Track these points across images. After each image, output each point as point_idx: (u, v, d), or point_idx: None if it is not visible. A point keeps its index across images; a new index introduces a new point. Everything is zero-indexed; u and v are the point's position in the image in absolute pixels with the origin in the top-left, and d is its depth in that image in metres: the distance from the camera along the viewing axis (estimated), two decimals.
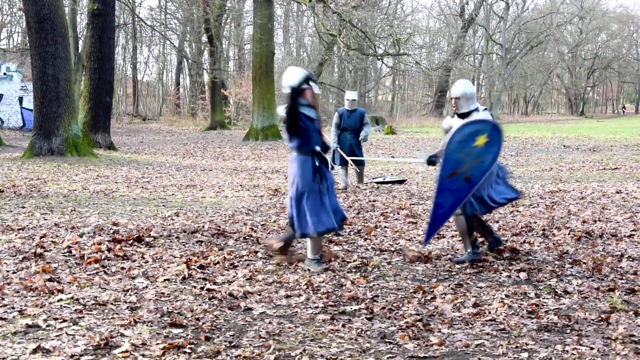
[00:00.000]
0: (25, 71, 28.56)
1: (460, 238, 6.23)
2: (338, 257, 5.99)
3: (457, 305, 4.65)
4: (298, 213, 5.53)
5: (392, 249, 6.48)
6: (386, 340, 3.98)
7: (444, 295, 4.88)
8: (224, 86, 36.73)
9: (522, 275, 5.47)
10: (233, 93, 38.03)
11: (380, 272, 5.59)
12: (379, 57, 34.42)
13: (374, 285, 5.21)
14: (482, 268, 5.72)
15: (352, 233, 7.21)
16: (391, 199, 9.79)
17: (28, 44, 20.47)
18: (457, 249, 6.37)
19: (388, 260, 6.01)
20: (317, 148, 5.61)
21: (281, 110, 5.62)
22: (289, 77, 5.64)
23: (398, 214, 8.43)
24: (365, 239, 6.92)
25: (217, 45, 35.66)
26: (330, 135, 10.88)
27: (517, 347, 3.86)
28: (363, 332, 4.11)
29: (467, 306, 4.62)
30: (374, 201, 9.54)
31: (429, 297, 4.85)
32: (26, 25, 16.85)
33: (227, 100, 38.77)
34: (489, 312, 4.47)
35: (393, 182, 11.91)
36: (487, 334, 4.09)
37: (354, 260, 5.91)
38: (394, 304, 4.67)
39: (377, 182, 11.83)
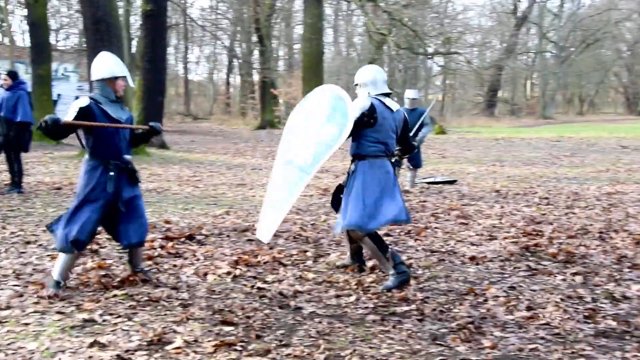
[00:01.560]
0: (81, 72, 29.28)
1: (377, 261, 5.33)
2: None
3: (510, 308, 4.58)
4: (67, 218, 4.69)
5: (443, 250, 6.41)
6: (437, 342, 3.95)
7: (496, 298, 4.81)
8: (274, 85, 36.96)
9: (578, 278, 5.35)
10: (283, 92, 38.22)
11: (430, 273, 5.54)
12: (429, 56, 34.14)
13: (424, 286, 5.17)
14: (536, 271, 5.62)
15: (402, 233, 7.17)
16: (442, 200, 9.70)
17: (84, 45, 20.99)
18: (510, 251, 6.26)
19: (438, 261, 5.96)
20: (116, 161, 4.76)
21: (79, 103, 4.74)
22: (100, 62, 4.83)
23: (449, 214, 8.35)
24: (416, 240, 6.87)
25: (267, 45, 35.90)
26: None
27: (573, 352, 3.78)
28: (414, 334, 4.08)
29: (521, 309, 4.54)
30: (424, 201, 9.46)
31: (480, 300, 4.79)
32: (83, 27, 17.27)
33: (276, 100, 39.01)
34: (543, 316, 4.38)
35: (444, 183, 11.79)
36: (542, 338, 4.01)
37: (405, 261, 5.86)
38: (445, 306, 4.63)
39: (427, 183, 11.72)
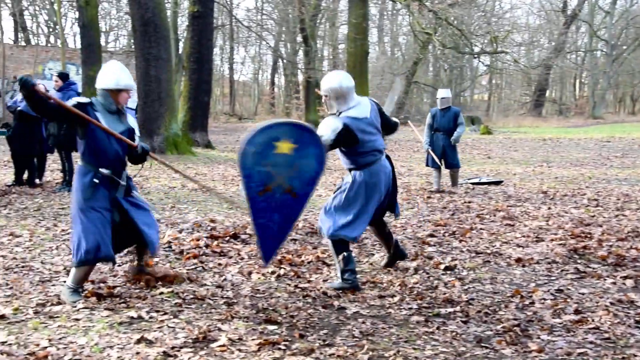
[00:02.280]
0: (130, 72, 29.86)
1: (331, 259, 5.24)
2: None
3: (557, 311, 4.50)
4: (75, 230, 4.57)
5: (488, 251, 6.33)
6: (482, 344, 3.90)
7: (543, 301, 4.73)
8: (318, 85, 37.02)
9: (629, 282, 5.22)
10: None
11: (475, 275, 5.48)
12: (475, 56, 33.77)
13: (469, 287, 5.12)
14: (585, 274, 5.50)
15: (446, 234, 7.10)
16: (487, 200, 9.58)
17: (133, 47, 21.38)
18: (557, 253, 6.14)
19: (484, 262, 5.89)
20: (105, 171, 4.58)
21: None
22: (110, 72, 4.74)
23: (494, 215, 8.24)
24: (460, 241, 6.80)
25: (312, 45, 36.01)
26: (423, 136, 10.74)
27: (623, 358, 3.69)
28: (458, 336, 4.04)
29: (568, 313, 4.46)
30: (470, 202, 9.36)
31: (527, 302, 4.72)
32: (131, 29, 17.58)
33: (320, 99, 39.09)
34: (592, 320, 4.29)
35: (489, 183, 11.64)
36: (591, 342, 3.93)
37: (449, 262, 5.82)
38: (491, 308, 4.57)
39: (472, 183, 11.59)
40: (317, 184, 4.67)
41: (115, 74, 4.69)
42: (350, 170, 5.16)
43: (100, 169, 4.55)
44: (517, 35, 42.83)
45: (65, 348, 3.63)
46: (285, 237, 4.73)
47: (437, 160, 10.46)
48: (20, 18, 39.64)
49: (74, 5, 28.84)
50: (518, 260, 5.94)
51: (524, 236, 6.99)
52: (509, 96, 52.49)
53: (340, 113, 5.02)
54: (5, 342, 3.68)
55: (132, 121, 4.84)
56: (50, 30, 41.80)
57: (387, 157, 5.30)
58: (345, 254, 5.03)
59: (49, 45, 37.61)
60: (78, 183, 4.56)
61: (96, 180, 4.52)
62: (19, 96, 10.05)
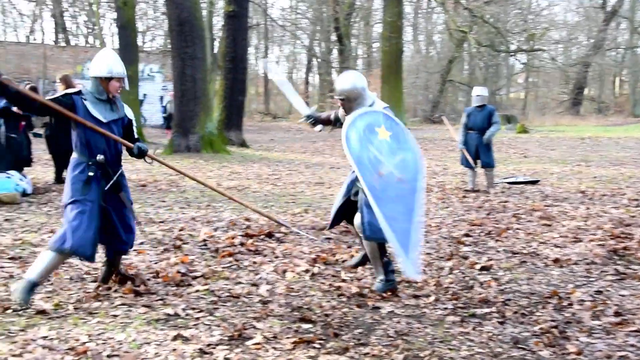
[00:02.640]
0: (166, 72, 30.18)
1: (372, 264, 5.04)
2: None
3: (597, 313, 4.42)
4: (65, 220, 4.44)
5: (525, 251, 6.26)
6: (519, 345, 3.86)
7: (581, 302, 4.65)
8: None
9: None
10: None
11: (512, 275, 5.42)
12: (511, 54, 33.38)
13: (505, 288, 5.06)
14: (625, 275, 5.40)
15: (482, 234, 7.04)
16: (524, 200, 9.46)
17: (169, 46, 21.60)
18: (596, 254, 6.03)
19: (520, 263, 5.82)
20: (100, 157, 4.47)
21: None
22: (100, 59, 4.54)
23: (531, 215, 8.13)
24: (496, 241, 6.73)
25: (346, 44, 36.00)
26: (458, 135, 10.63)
27: None
28: (494, 336, 4.00)
29: (608, 315, 4.38)
30: (506, 202, 9.25)
31: (565, 303, 4.64)
32: (168, 28, 17.77)
33: None
34: (634, 323, 4.20)
35: (525, 183, 11.49)
36: (632, 345, 3.85)
37: (485, 262, 5.76)
38: (527, 309, 4.52)
39: (508, 183, 11.45)
40: (423, 174, 4.54)
41: (106, 62, 4.51)
42: None
43: (92, 159, 4.45)
44: (555, 32, 42.22)
45: (104, 343, 3.69)
46: (411, 231, 4.28)
47: (470, 160, 10.34)
48: (60, 19, 40.38)
49: (112, 6, 29.26)
50: (556, 260, 5.86)
51: (561, 236, 6.88)
52: (546, 94, 51.65)
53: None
54: (47, 336, 3.75)
55: (128, 111, 4.74)
56: (89, 31, 42.50)
57: None
58: (386, 256, 4.95)
59: (88, 45, 38.25)
60: (71, 174, 4.48)
61: (91, 174, 4.43)
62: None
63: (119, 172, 4.59)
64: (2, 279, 4.94)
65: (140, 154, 4.75)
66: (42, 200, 8.69)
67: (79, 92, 4.54)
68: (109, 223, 4.57)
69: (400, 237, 4.25)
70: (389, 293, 4.83)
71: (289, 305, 4.50)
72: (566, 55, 46.80)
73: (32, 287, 4.30)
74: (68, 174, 4.52)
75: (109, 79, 4.50)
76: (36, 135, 10.48)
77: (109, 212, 4.55)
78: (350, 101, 4.97)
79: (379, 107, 4.95)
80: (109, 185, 4.51)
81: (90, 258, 4.43)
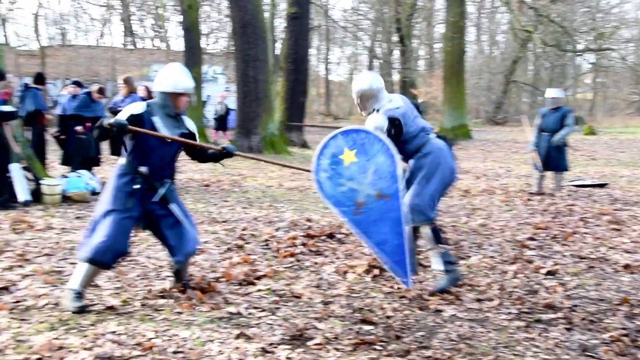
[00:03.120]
0: (229, 73, 30.64)
1: (431, 252, 5.09)
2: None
3: None
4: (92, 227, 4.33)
5: (593, 256, 6.08)
6: (587, 353, 3.75)
7: None
8: (414, 85, 36.72)
9: None
10: (423, 92, 37.87)
11: (579, 281, 5.27)
12: (578, 54, 32.50)
13: (572, 294, 4.93)
14: None
15: (547, 238, 6.88)
16: (591, 204, 9.20)
17: (232, 48, 21.91)
18: None
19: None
20: (144, 169, 4.35)
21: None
22: (172, 75, 4.45)
23: (599, 219, 7.90)
24: (563, 245, 6.56)
25: (408, 45, 35.75)
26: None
27: None
28: (561, 343, 3.90)
29: None
30: (572, 205, 9.02)
31: (636, 311, 4.49)
32: (231, 31, 18.02)
33: (416, 99, 38.72)
34: None
35: (593, 186, 11.17)
36: None
37: (550, 267, 5.62)
38: (596, 315, 4.39)
39: (575, 185, 11.16)
40: (400, 176, 4.57)
41: (176, 77, 4.42)
42: (407, 161, 5.09)
43: (139, 169, 4.33)
44: (626, 30, 40.81)
45: (169, 340, 3.77)
46: (404, 244, 4.54)
47: (538, 162, 10.08)
48: (128, 23, 41.52)
49: (178, 9, 29.87)
50: (626, 266, 5.67)
51: (632, 241, 6.66)
52: (615, 95, 50.06)
53: (377, 110, 5.03)
54: (115, 331, 3.86)
55: (190, 124, 4.65)
56: (156, 33, 43.53)
57: (441, 136, 5.24)
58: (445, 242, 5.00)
59: (155, 48, 39.18)
60: (114, 182, 4.34)
61: (137, 186, 4.30)
62: (118, 97, 10.49)
63: (168, 185, 4.47)
64: None
65: (228, 154, 4.82)
66: None
67: (149, 107, 4.40)
68: (162, 234, 4.50)
69: (394, 256, 4.54)
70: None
71: (350, 307, 4.50)
72: (637, 54, 45.22)
73: (78, 296, 4.24)
74: (112, 181, 4.36)
75: (179, 94, 4.42)
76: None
77: (159, 224, 4.45)
78: (364, 100, 5.09)
79: (395, 102, 5.08)
80: (157, 197, 4.38)
81: (109, 268, 4.34)
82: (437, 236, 5.01)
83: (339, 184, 4.62)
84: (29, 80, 10.72)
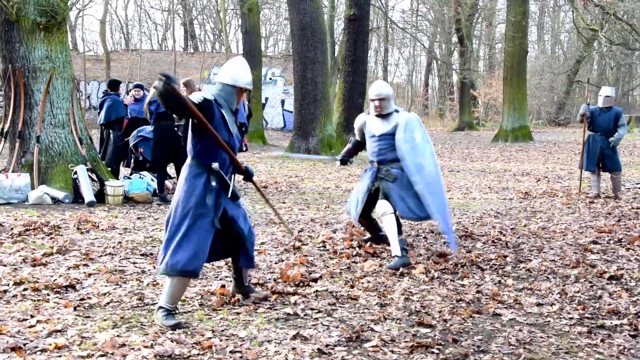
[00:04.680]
0: (287, 76, 30.87)
1: (389, 240, 5.85)
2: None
3: None
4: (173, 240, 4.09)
5: None
6: None
7: None
8: (473, 86, 36.24)
9: None
10: (482, 93, 37.36)
11: None
12: None
13: (638, 299, 4.77)
14: None
15: (611, 242, 6.68)
16: None
17: (291, 50, 22.06)
18: None
19: None
20: (215, 165, 4.15)
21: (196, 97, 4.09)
22: (241, 69, 4.31)
23: None
24: (628, 249, 6.36)
25: (467, 45, 35.28)
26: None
27: None
28: (626, 350, 3.78)
29: None
30: (638, 208, 8.73)
31: None
32: (290, 33, 18.15)
33: (475, 101, 38.18)
34: None
35: None
36: None
37: (614, 271, 5.46)
38: None
39: None
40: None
41: (246, 73, 4.31)
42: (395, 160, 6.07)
43: (212, 166, 4.13)
44: None
45: (227, 340, 3.82)
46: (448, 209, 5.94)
47: (584, 162, 9.75)
48: (190, 27, 42.31)
49: (238, 13, 30.29)
50: None
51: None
52: None
53: (388, 115, 6.12)
54: (175, 330, 3.93)
55: (242, 115, 4.48)
56: (216, 37, 44.24)
57: None
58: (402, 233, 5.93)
59: (214, 51, 39.81)
60: (189, 184, 4.13)
61: (213, 184, 4.13)
62: None
63: (234, 178, 4.36)
64: (136, 274, 5.24)
65: (249, 175, 4.47)
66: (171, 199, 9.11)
67: (215, 100, 4.19)
68: (234, 234, 4.37)
69: (446, 220, 5.78)
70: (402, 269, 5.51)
71: (406, 309, 4.47)
72: None
73: (169, 313, 4.07)
74: (186, 183, 4.15)
75: (244, 90, 4.33)
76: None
77: (235, 220, 4.31)
78: (387, 101, 6.11)
79: (403, 113, 6.16)
80: (229, 193, 4.23)
81: (194, 274, 4.14)
82: (399, 230, 5.83)
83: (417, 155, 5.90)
84: (96, 84, 11.08)
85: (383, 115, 6.09)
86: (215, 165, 4.13)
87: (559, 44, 46.24)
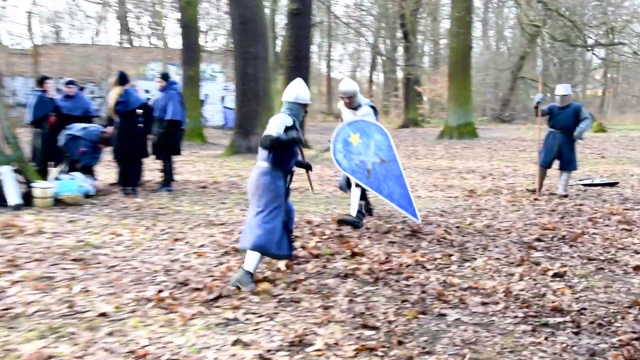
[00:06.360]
0: (228, 72, 30.64)
1: (351, 202, 7.20)
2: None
3: None
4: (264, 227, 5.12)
5: (602, 258, 6.06)
6: (596, 358, 3.74)
7: None
8: (418, 83, 36.70)
9: None
10: (427, 90, 37.88)
11: (587, 283, 5.25)
12: (588, 48, 32.42)
13: (580, 296, 4.91)
14: None
15: (555, 239, 6.85)
16: (600, 203, 9.17)
17: (231, 46, 21.91)
18: None
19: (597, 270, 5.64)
20: (289, 169, 5.34)
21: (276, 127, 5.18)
22: (305, 90, 5.44)
23: (609, 219, 7.88)
24: (571, 246, 6.54)
25: (412, 41, 35.70)
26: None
27: None
28: (569, 348, 3.88)
29: None
30: (581, 205, 9.00)
31: None
32: (231, 28, 18.01)
33: (420, 97, 38.69)
34: None
35: (603, 185, 11.15)
36: None
37: (558, 269, 5.60)
38: (605, 319, 4.37)
39: (584, 185, 11.14)
40: (394, 145, 6.81)
41: (307, 91, 5.43)
42: None
43: (287, 172, 5.24)
44: (638, 24, 40.73)
45: (163, 348, 3.75)
46: (408, 191, 6.81)
47: (541, 157, 9.99)
48: (124, 20, 41.55)
49: (176, 6, 29.89)
50: (636, 268, 5.65)
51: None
52: (626, 91, 50.01)
53: (357, 107, 7.24)
54: (107, 339, 3.84)
55: None
56: (153, 31, 43.55)
57: None
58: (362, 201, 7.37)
59: (152, 46, 39.20)
60: (274, 184, 5.10)
61: (289, 184, 5.28)
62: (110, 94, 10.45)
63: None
64: (66, 281, 5.10)
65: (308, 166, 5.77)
66: (104, 202, 8.93)
67: (291, 117, 5.26)
68: (289, 222, 5.33)
69: (402, 201, 6.79)
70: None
71: (350, 311, 4.48)
72: None
73: (252, 277, 5.01)
74: (267, 182, 5.08)
75: (306, 105, 5.42)
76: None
77: (290, 214, 5.33)
78: (354, 98, 7.22)
79: (366, 99, 7.39)
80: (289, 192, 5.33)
81: (287, 256, 5.25)
82: (364, 196, 7.36)
83: (352, 159, 6.84)
84: (22, 80, 10.76)
85: (354, 108, 7.26)
86: (289, 169, 5.29)
87: (503, 40, 47.30)
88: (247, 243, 5.05)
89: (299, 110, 5.38)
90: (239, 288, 4.91)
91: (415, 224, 7.14)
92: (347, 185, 7.54)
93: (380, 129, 6.85)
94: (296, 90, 5.38)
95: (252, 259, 5.02)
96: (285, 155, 5.20)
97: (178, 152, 10.46)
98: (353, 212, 7.08)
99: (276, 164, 5.16)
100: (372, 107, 7.35)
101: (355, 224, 7.02)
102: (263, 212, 5.07)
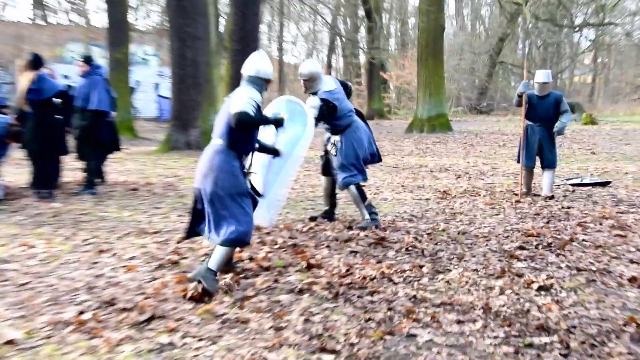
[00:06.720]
0: (162, 54, 30.37)
1: (355, 207, 7.81)
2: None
3: None
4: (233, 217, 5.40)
5: (594, 268, 6.16)
6: None
7: None
8: (384, 68, 36.96)
9: None
10: (394, 76, 38.19)
11: (577, 297, 5.33)
12: (576, 29, 33.07)
13: (569, 312, 4.97)
14: None
15: (540, 247, 6.95)
16: (591, 206, 9.35)
17: (166, 24, 21.70)
18: None
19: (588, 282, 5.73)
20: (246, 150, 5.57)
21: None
22: (265, 63, 5.60)
23: (600, 224, 8.03)
24: (558, 255, 6.64)
25: (376, 20, 35.92)
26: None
27: None
28: None
29: None
30: (569, 208, 9.15)
31: None
32: (165, 3, 17.84)
33: (386, 85, 38.99)
34: None
35: (594, 184, 11.37)
36: None
37: (543, 281, 5.68)
38: (597, 338, 4.43)
39: (572, 184, 11.34)
40: (303, 146, 6.59)
41: (270, 65, 5.54)
42: (336, 134, 7.67)
43: (243, 154, 5.42)
44: (631, 2, 41.71)
45: None
46: (277, 190, 6.52)
47: (523, 156, 10.13)
48: None
49: None
50: (632, 279, 5.76)
51: (639, 250, 6.77)
52: (619, 77, 51.17)
53: (316, 93, 7.46)
54: None
55: None
56: (72, 7, 42.89)
57: (359, 113, 7.90)
58: (367, 200, 7.74)
59: (71, 24, 38.63)
60: (228, 165, 5.27)
61: (248, 170, 5.50)
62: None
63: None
64: None
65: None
66: (13, 208, 8.76)
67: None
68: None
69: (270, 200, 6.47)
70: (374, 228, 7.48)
71: (306, 332, 4.46)
72: None
73: (216, 276, 5.28)
74: (225, 165, 5.26)
75: (269, 81, 5.56)
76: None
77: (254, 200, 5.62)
78: (311, 82, 7.46)
79: (330, 84, 7.54)
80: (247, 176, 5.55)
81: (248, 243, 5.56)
82: (362, 194, 7.71)
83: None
84: None
85: (313, 93, 7.46)
86: (245, 150, 5.48)
87: (480, 20, 47.93)
88: (217, 237, 5.29)
89: (262, 86, 5.51)
90: (200, 282, 5.09)
91: (268, 226, 7.24)
92: (323, 173, 8.03)
93: (306, 124, 6.70)
94: (257, 63, 5.47)
95: (220, 255, 5.26)
96: (248, 135, 5.36)
97: (115, 149, 10.34)
98: (365, 215, 7.67)
99: (234, 143, 5.31)
100: (328, 101, 7.40)
101: (376, 226, 7.62)
102: (231, 203, 5.24)
